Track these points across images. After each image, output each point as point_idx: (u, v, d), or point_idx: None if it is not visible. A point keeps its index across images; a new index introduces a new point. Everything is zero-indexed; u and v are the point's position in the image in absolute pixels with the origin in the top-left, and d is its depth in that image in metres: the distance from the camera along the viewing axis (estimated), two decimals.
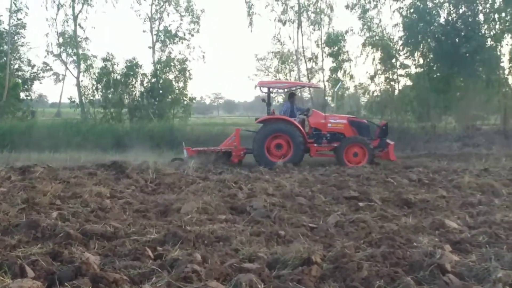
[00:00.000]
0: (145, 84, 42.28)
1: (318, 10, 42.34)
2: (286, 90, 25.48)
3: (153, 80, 42.23)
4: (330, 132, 23.30)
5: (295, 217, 10.09)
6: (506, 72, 40.07)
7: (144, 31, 44.06)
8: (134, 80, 41.95)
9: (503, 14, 38.46)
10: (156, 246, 7.44)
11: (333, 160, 22.84)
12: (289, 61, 50.31)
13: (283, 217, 10.06)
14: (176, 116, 43.08)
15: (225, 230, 8.75)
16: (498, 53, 39.15)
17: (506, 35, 39.19)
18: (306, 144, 22.99)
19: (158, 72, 42.43)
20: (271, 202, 11.31)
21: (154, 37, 43.42)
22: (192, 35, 43.87)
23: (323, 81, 42.91)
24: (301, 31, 42.89)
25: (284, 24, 42.98)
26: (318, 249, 7.14)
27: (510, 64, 39.76)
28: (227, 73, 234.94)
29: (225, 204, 11.43)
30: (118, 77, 41.54)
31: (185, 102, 43.94)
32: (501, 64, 39.41)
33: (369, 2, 41.25)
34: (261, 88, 24.59)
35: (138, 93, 42.26)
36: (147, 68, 52.83)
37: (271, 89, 24.63)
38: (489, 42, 38.61)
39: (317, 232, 9.09)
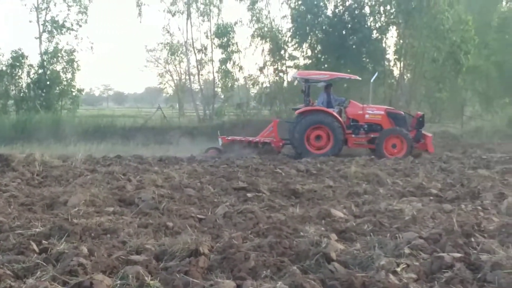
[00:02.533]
0: (31, 76, 41.44)
1: (207, 1, 42.36)
2: (325, 81, 25.18)
3: (40, 71, 41.42)
4: (368, 123, 23.68)
5: (184, 209, 10.05)
6: (392, 63, 41.19)
7: (30, 21, 43.02)
8: (20, 71, 41.08)
9: (388, 7, 39.57)
10: (41, 240, 7.27)
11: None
12: (179, 52, 50.26)
13: (172, 208, 10.00)
14: (64, 108, 42.46)
15: (113, 222, 8.64)
16: (384, 45, 40.28)
17: (391, 27, 40.42)
18: (345, 135, 23.24)
19: (45, 63, 41.62)
20: (159, 194, 11.22)
21: (41, 27, 42.48)
22: (80, 26, 43.22)
23: (213, 72, 43.14)
24: (191, 22, 42.91)
25: (173, 15, 42.87)
26: (206, 240, 7.14)
27: (395, 56, 40.96)
28: (117, 64, 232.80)
29: (113, 196, 11.30)
30: (4, 68, 40.58)
31: (74, 94, 43.33)
32: (387, 56, 40.53)
33: None
34: (299, 78, 24.69)
35: (24, 85, 41.39)
36: (34, 59, 51.78)
37: (310, 80, 24.75)
38: (375, 34, 39.65)
39: (205, 223, 9.08)
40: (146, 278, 5.64)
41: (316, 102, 24.61)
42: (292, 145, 23.67)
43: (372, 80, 25.19)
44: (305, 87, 24.42)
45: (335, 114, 23.21)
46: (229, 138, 24.17)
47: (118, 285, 5.50)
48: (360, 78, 26.45)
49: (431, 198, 11.78)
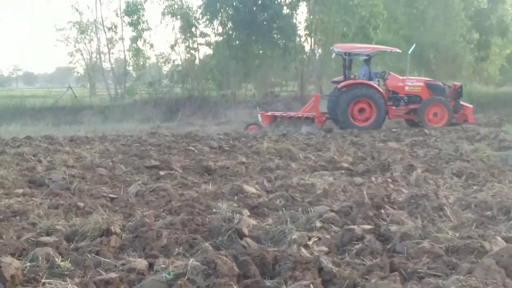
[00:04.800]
0: None
1: None
2: (366, 54, 25.16)
3: None
4: (408, 95, 24.02)
5: (95, 188, 9.96)
6: (303, 39, 41.45)
7: None
8: None
9: None
10: None
11: None
12: (89, 31, 49.57)
13: (83, 188, 9.90)
14: None
15: (22, 204, 8.49)
16: (294, 20, 40.42)
17: (301, 3, 40.57)
18: (387, 107, 23.50)
19: None
20: (70, 174, 11.05)
21: None
22: None
23: (124, 50, 42.75)
24: (100, 0, 42.29)
25: None
26: (118, 219, 7.10)
27: (306, 32, 41.15)
28: (26, 44, 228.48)
29: (23, 178, 11.10)
30: None
31: None
32: (298, 32, 40.73)
33: None
34: (338, 51, 24.51)
35: None
36: None
37: (351, 54, 24.72)
38: (285, 10, 39.73)
39: (117, 202, 9.03)
40: (56, 259, 5.56)
41: (357, 75, 24.91)
42: (333, 119, 24.09)
43: (409, 52, 25.48)
44: (347, 61, 24.53)
45: (377, 86, 23.61)
46: (269, 114, 24.43)
47: (28, 267, 5.42)
48: (400, 51, 26.73)
49: (342, 171, 11.97)
